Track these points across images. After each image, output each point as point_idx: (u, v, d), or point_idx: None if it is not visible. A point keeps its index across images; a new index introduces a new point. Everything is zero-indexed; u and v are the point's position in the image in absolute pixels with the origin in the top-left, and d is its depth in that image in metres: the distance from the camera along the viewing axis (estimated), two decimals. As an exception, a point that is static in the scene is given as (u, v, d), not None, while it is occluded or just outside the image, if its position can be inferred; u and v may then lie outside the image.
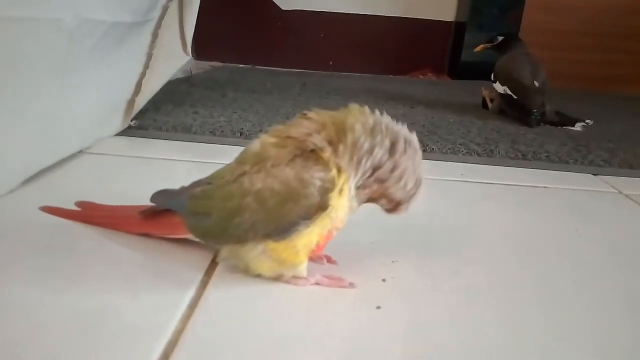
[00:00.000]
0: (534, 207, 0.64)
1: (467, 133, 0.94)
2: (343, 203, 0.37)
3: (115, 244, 0.44)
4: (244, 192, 0.37)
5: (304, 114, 0.39)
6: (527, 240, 0.53)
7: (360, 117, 0.38)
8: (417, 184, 0.39)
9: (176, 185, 0.44)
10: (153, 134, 0.82)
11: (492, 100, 1.19)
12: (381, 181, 0.38)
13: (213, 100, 1.09)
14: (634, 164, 0.82)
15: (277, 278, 0.40)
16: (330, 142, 0.37)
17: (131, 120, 0.82)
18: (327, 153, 0.37)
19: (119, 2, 0.66)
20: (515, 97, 1.08)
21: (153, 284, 0.39)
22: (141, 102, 0.82)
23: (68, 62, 0.58)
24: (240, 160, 0.40)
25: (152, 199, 0.43)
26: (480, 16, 1.82)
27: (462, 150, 0.83)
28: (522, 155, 0.83)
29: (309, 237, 0.37)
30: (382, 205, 0.41)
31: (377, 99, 1.26)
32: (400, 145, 0.38)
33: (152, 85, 0.84)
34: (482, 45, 1.22)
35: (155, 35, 0.80)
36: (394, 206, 0.40)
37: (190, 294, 0.38)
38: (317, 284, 0.40)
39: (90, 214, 0.48)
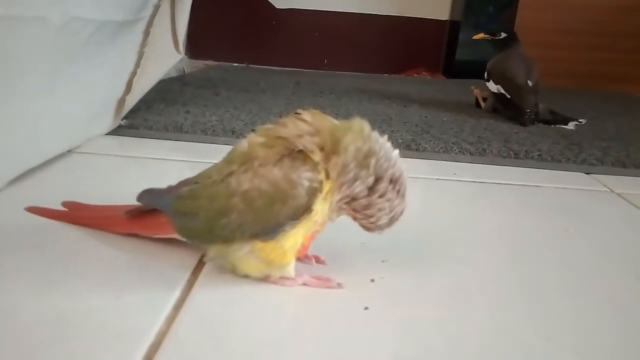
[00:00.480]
0: (526, 206, 0.64)
1: (460, 132, 0.94)
2: (324, 210, 0.37)
3: (101, 244, 0.44)
4: (231, 193, 0.37)
5: (297, 114, 0.39)
6: (518, 240, 0.53)
7: (357, 140, 0.37)
8: (391, 221, 0.39)
9: (166, 185, 0.43)
10: (144, 133, 0.81)
11: (484, 99, 1.19)
12: (354, 210, 0.38)
13: (206, 99, 1.09)
14: (626, 163, 0.82)
15: (265, 279, 0.39)
16: (322, 149, 0.37)
17: (122, 120, 0.81)
18: (316, 156, 0.36)
19: (110, 1, 0.66)
20: (509, 97, 1.08)
21: (138, 284, 0.38)
22: (132, 101, 0.82)
23: (56, 60, 0.58)
24: (228, 160, 0.39)
25: (139, 198, 0.43)
26: (474, 15, 1.82)
27: (454, 149, 0.82)
28: (514, 154, 0.83)
29: (294, 237, 0.37)
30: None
31: (371, 98, 1.26)
32: (382, 187, 0.37)
33: (143, 84, 0.83)
34: (482, 34, 1.19)
35: (146, 33, 0.80)
36: (366, 229, 0.40)
37: (175, 294, 0.37)
38: (305, 284, 0.39)
39: (77, 215, 0.47)
